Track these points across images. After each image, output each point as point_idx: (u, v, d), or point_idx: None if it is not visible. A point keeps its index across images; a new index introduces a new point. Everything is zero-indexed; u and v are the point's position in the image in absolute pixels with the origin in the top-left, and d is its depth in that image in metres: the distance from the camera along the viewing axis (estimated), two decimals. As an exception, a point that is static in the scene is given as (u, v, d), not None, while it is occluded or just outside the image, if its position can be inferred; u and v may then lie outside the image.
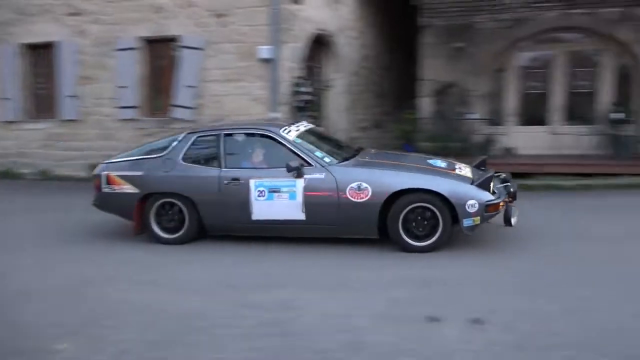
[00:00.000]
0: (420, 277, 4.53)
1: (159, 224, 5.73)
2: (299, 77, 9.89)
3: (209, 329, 3.57)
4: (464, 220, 5.00)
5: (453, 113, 10.60)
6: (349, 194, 5.17)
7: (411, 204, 5.10)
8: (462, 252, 5.19)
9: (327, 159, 5.44)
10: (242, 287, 4.38)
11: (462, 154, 10.16)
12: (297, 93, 9.82)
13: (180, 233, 5.68)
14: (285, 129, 5.68)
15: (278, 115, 9.27)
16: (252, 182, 5.36)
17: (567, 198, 8.09)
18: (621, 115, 10.05)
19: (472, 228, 5.06)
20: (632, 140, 9.64)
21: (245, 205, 5.39)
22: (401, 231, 5.16)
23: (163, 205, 5.69)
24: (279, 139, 5.52)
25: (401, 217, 5.12)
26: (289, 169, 5.22)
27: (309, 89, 10.09)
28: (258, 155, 5.64)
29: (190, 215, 5.61)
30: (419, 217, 5.12)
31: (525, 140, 10.89)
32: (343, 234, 5.48)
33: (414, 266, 4.82)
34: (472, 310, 3.72)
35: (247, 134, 5.73)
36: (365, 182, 5.15)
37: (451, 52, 10.60)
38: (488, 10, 9.99)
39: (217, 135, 5.68)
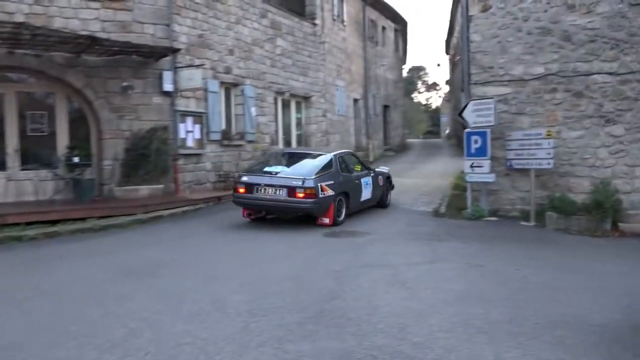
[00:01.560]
0: None
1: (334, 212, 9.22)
2: None
3: None
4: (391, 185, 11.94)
5: None
6: (380, 181, 10.91)
7: (388, 181, 11.51)
8: None
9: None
10: None
11: None
12: None
13: (344, 216, 9.40)
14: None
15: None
16: (362, 180, 10.15)
17: (30, 249, 7.49)
18: (78, 159, 10.16)
19: None
20: (92, 183, 9.87)
21: (360, 192, 10.02)
22: (386, 196, 11.46)
23: (338, 200, 9.24)
24: (357, 157, 11.21)
25: (385, 189, 11.40)
26: (372, 173, 10.68)
27: None
28: (355, 165, 10.43)
29: (346, 204, 9.47)
30: (387, 188, 11.46)
31: (-21, 189, 9.67)
32: (373, 204, 10.94)
33: None
34: None
35: (350, 154, 10.87)
36: (381, 176, 11.06)
37: None
38: None
39: (342, 156, 10.03)
